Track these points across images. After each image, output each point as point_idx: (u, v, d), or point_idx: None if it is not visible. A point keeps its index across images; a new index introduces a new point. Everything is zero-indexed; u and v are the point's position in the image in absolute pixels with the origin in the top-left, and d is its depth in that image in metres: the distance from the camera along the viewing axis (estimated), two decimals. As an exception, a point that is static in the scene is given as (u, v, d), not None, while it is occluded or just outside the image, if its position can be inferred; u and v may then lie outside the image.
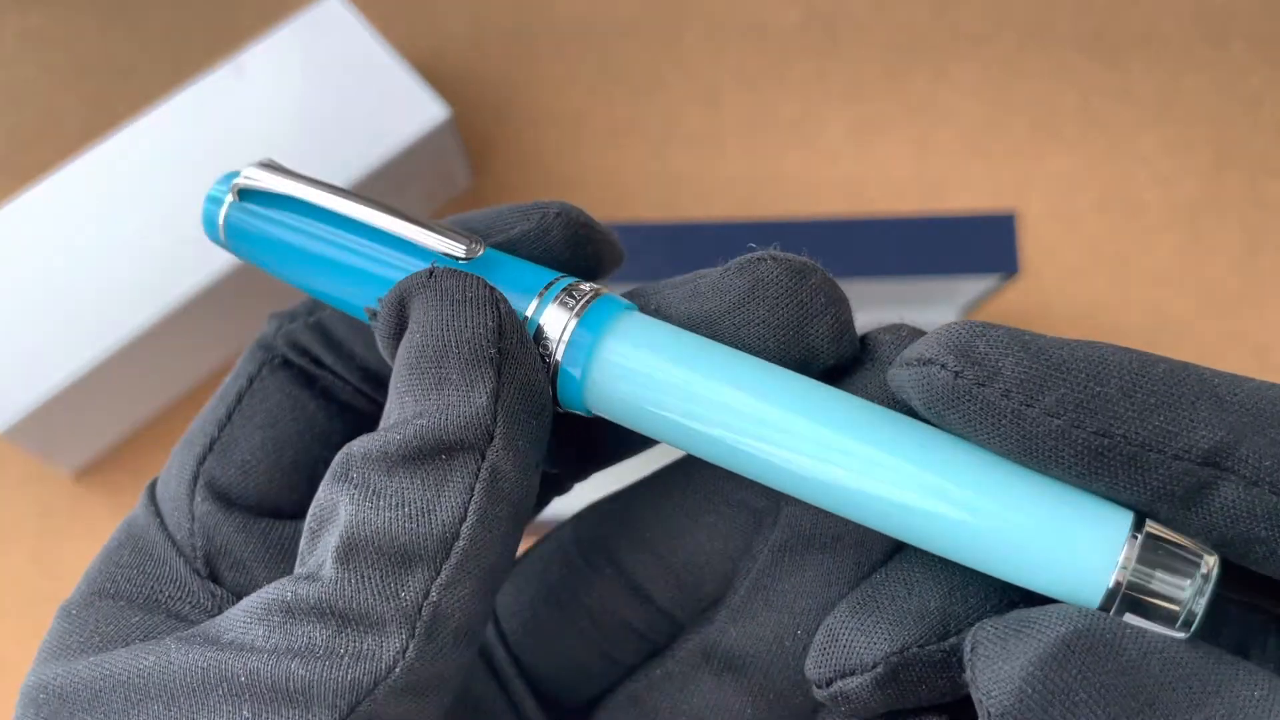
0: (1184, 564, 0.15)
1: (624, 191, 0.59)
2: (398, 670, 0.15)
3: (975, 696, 0.15)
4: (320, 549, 0.16)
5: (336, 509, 0.16)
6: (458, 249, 0.18)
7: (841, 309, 0.17)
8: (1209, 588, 0.15)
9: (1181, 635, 0.15)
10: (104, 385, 0.48)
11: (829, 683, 0.16)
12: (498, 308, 0.17)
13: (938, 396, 0.15)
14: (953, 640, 0.16)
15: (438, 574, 0.16)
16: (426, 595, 0.16)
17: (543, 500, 0.22)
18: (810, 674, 0.17)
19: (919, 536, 0.15)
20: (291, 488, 0.20)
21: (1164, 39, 0.63)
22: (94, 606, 0.19)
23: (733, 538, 0.19)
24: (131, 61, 0.60)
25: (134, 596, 0.19)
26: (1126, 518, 0.15)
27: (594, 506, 0.22)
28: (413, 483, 0.16)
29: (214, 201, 0.20)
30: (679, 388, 0.17)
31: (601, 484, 0.22)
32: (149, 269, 0.47)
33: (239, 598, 0.19)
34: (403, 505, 0.16)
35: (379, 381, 0.21)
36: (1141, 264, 0.59)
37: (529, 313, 0.18)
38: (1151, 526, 0.15)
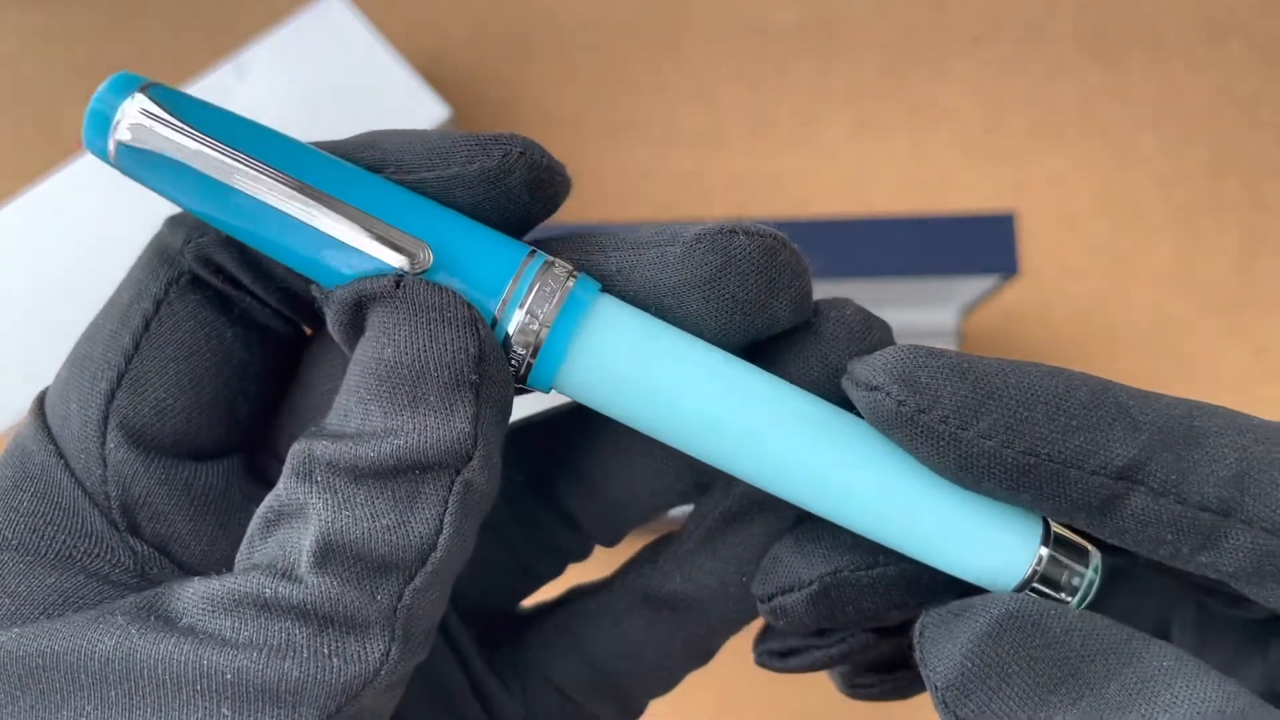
0: (1080, 557, 0.18)
1: (624, 191, 0.59)
2: (383, 671, 0.15)
3: (924, 674, 0.17)
4: (281, 542, 0.16)
5: (304, 510, 0.16)
6: (399, 261, 0.17)
7: (804, 280, 0.18)
8: (1098, 576, 0.18)
9: (1079, 609, 0.17)
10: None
11: (770, 598, 0.19)
12: (478, 330, 0.16)
13: (883, 420, 0.17)
14: (879, 569, 0.18)
15: (412, 579, 0.16)
16: (400, 598, 0.16)
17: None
18: (755, 590, 0.19)
19: (870, 533, 0.18)
20: (210, 425, 0.19)
21: (1163, 39, 0.63)
22: None
23: (664, 480, 0.21)
24: (131, 61, 0.60)
25: (43, 551, 0.17)
26: (1038, 523, 0.18)
27: (530, 429, 0.21)
28: (383, 495, 0.16)
29: (100, 117, 0.17)
30: (650, 392, 0.17)
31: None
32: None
33: (161, 551, 0.18)
34: (377, 517, 0.16)
35: (302, 303, 0.19)
36: (1141, 264, 0.59)
37: (498, 312, 0.17)
38: (1056, 528, 0.18)
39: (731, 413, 0.17)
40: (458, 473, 0.16)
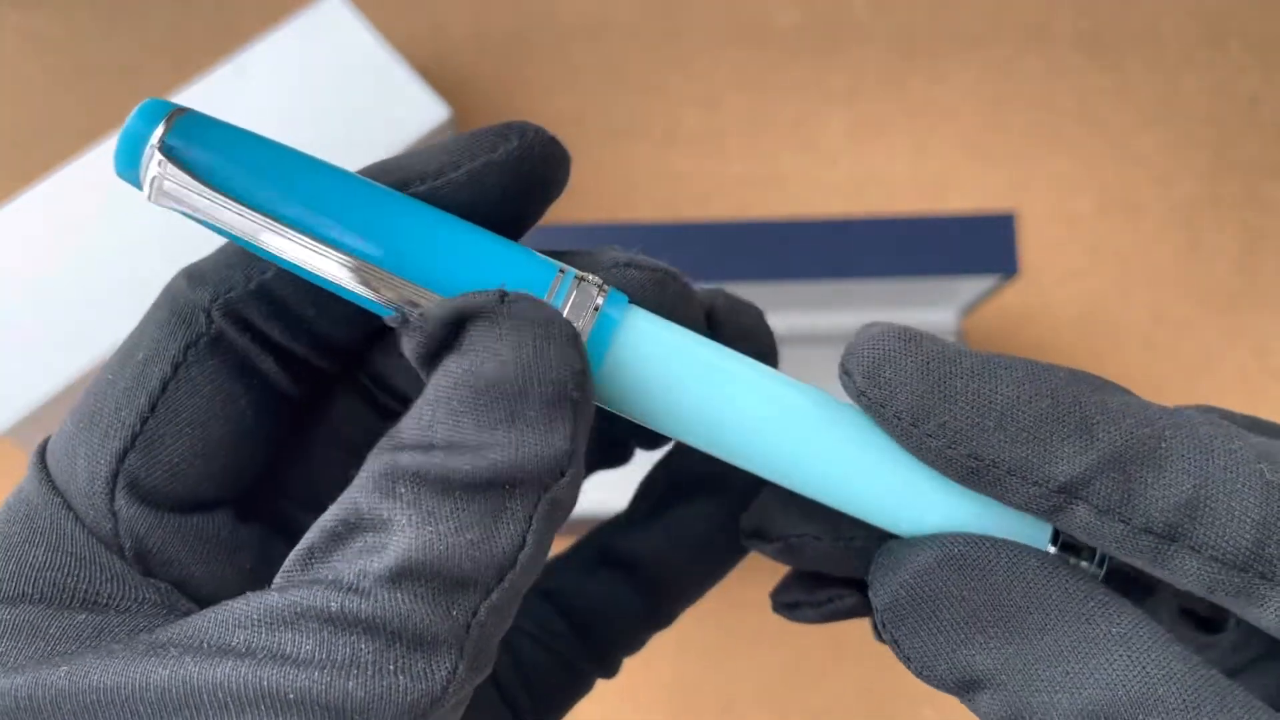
0: (1087, 555, 0.18)
1: (624, 192, 0.59)
2: (450, 689, 0.15)
3: (870, 597, 0.18)
4: (351, 556, 0.16)
5: (385, 523, 0.16)
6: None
7: (695, 306, 0.20)
8: (1101, 571, 0.18)
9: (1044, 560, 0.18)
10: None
11: (750, 535, 0.21)
12: (579, 347, 0.16)
13: (852, 401, 0.18)
14: (844, 542, 0.20)
15: (488, 596, 0.16)
16: (475, 615, 0.16)
17: None
18: (741, 522, 0.21)
19: (859, 513, 0.19)
20: (219, 485, 0.19)
21: (1163, 40, 0.63)
22: (18, 610, 0.17)
23: (616, 436, 0.23)
24: (131, 61, 0.60)
25: (66, 600, 0.17)
26: (1046, 525, 0.18)
27: None
28: (470, 508, 0.16)
29: (128, 150, 0.17)
30: (682, 402, 0.18)
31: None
32: (149, 269, 0.47)
33: (182, 590, 0.18)
34: (463, 532, 0.15)
35: (330, 348, 0.20)
36: (1141, 264, 0.59)
37: None
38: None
39: (764, 422, 0.18)
40: (546, 489, 0.16)
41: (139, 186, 0.17)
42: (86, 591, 0.17)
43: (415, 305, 0.17)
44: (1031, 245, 0.58)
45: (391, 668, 0.15)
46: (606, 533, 0.24)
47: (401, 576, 0.15)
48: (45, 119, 0.59)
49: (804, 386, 0.18)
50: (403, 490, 0.16)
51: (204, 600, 0.18)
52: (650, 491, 0.24)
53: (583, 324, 0.17)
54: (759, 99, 0.61)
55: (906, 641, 0.17)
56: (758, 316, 0.21)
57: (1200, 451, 0.16)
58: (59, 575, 0.17)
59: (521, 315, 0.16)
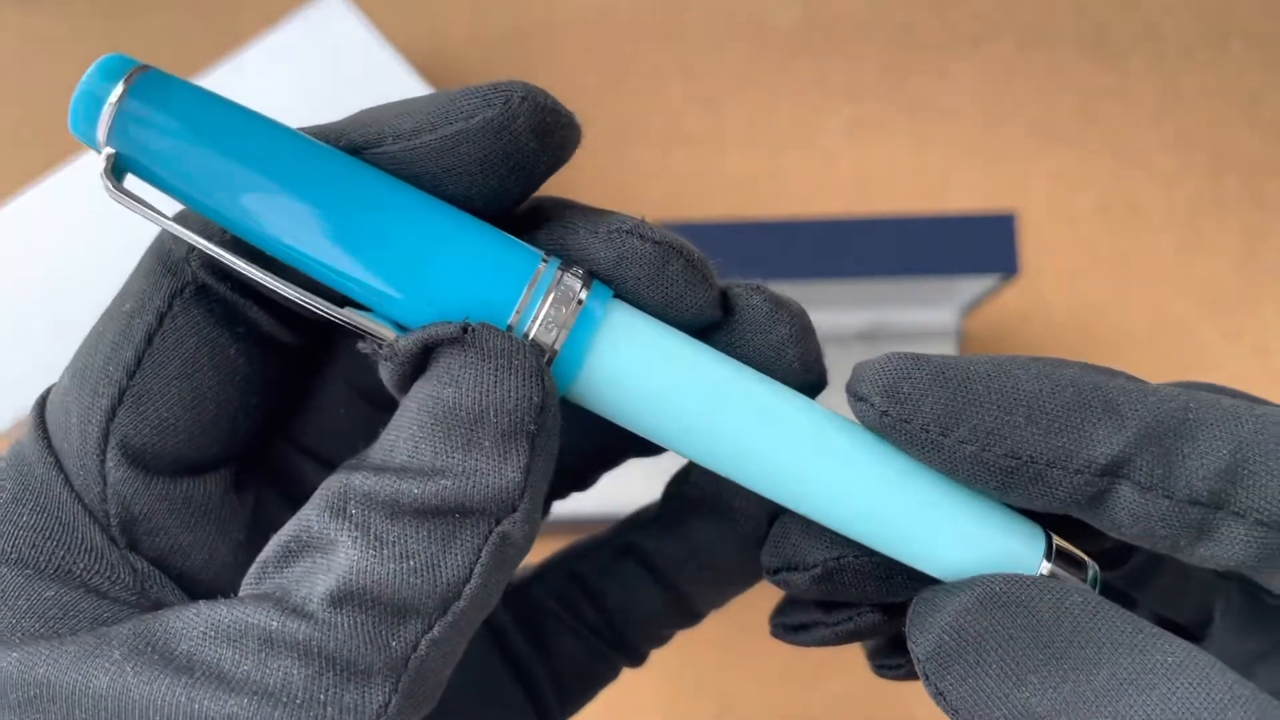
0: (1080, 570, 0.18)
1: (624, 191, 0.59)
2: None
3: (910, 646, 0.17)
4: (298, 575, 0.16)
5: (333, 547, 0.15)
6: (387, 334, 0.17)
7: (704, 291, 0.18)
8: (1097, 587, 0.18)
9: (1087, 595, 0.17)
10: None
11: (776, 571, 0.20)
12: (543, 381, 0.16)
13: (872, 427, 0.17)
14: (881, 555, 0.19)
15: (430, 629, 0.15)
16: (415, 648, 0.15)
17: (562, 494, 0.23)
18: (762, 561, 0.20)
19: (873, 544, 0.18)
20: (210, 441, 0.18)
21: (1163, 39, 0.63)
22: None
23: (584, 445, 0.22)
24: (131, 61, 0.60)
25: (42, 565, 0.17)
26: (1040, 537, 0.18)
27: None
28: (418, 534, 0.15)
29: (90, 99, 0.16)
30: (666, 405, 0.17)
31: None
32: (149, 269, 0.47)
33: (161, 564, 0.18)
34: (407, 558, 0.15)
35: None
36: (1141, 264, 0.59)
37: (513, 320, 0.17)
38: (1058, 541, 0.18)
39: (744, 426, 0.17)
40: (497, 522, 0.16)
41: (95, 147, 0.16)
42: (64, 560, 0.17)
43: (381, 340, 0.17)
44: (1031, 245, 0.58)
45: (321, 698, 0.15)
46: (635, 528, 0.23)
47: (342, 600, 0.15)
48: (45, 119, 0.59)
49: (789, 394, 0.18)
50: (353, 510, 0.15)
51: (191, 574, 0.18)
52: (675, 496, 0.23)
53: (563, 319, 0.17)
54: (759, 99, 0.61)
55: (954, 691, 0.16)
56: (786, 338, 0.19)
57: (1229, 419, 0.16)
58: (40, 539, 0.17)
59: (484, 345, 0.16)
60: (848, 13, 0.63)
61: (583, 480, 0.23)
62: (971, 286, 0.51)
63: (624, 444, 0.22)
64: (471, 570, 0.15)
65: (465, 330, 0.16)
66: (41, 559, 0.17)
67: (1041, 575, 0.17)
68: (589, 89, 0.61)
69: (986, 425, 0.16)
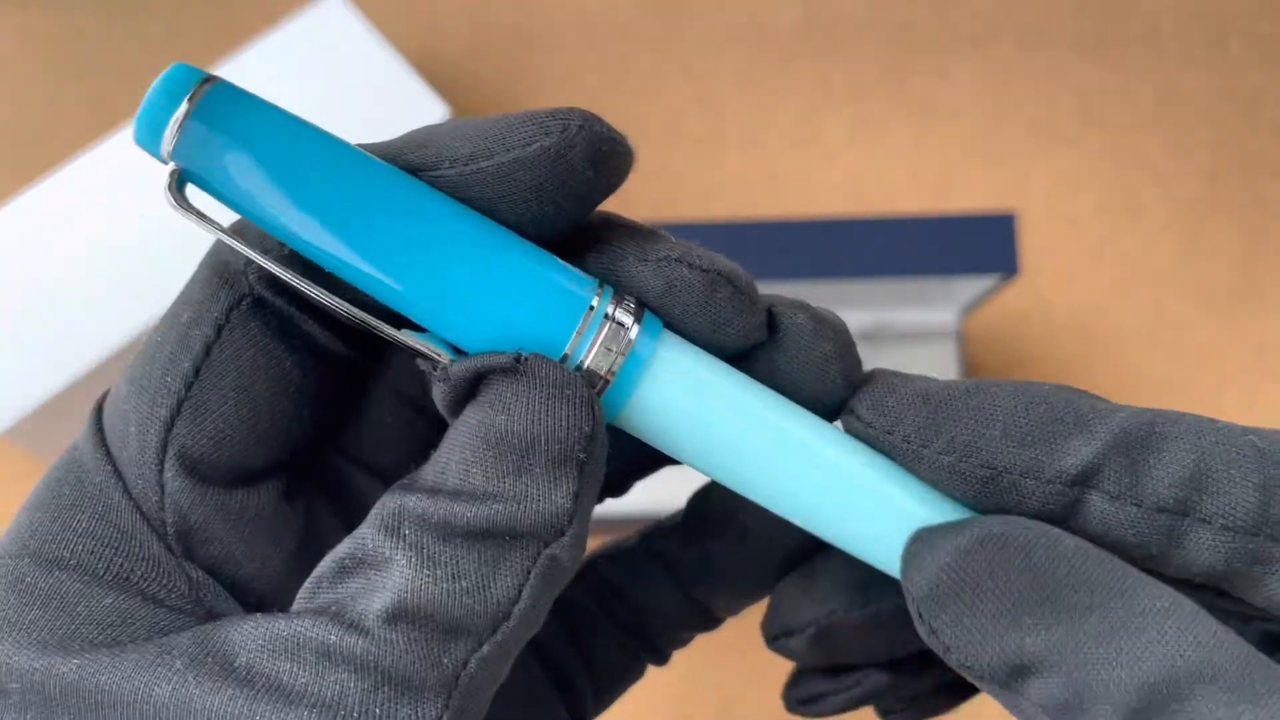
0: None
1: (624, 192, 0.59)
2: None
3: (904, 588, 0.17)
4: (354, 592, 0.16)
5: (388, 565, 0.16)
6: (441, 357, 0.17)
7: (750, 315, 0.18)
8: None
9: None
10: (104, 385, 0.48)
11: (775, 638, 0.20)
12: (593, 410, 0.17)
13: (858, 436, 0.18)
14: (872, 607, 0.20)
15: (480, 647, 0.16)
16: (465, 665, 0.16)
17: (598, 500, 0.23)
18: (762, 629, 0.21)
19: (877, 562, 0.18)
20: (264, 452, 0.19)
21: (1163, 39, 0.63)
22: (54, 578, 0.17)
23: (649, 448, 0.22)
24: (131, 61, 0.60)
25: (100, 572, 0.17)
26: None
27: None
28: (470, 556, 0.16)
29: (156, 113, 0.16)
30: (711, 437, 0.18)
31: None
32: (149, 269, 0.47)
33: (215, 573, 0.18)
34: (459, 578, 0.16)
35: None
36: (1141, 264, 0.59)
37: (569, 349, 0.17)
38: None
39: (787, 463, 0.18)
40: (546, 545, 0.16)
41: (159, 158, 0.17)
42: (121, 568, 0.17)
43: (437, 360, 0.17)
44: (1031, 245, 0.58)
45: (376, 711, 0.15)
46: (660, 535, 0.24)
47: (396, 618, 0.15)
48: (45, 119, 0.59)
49: (834, 434, 0.18)
50: (407, 531, 0.16)
51: (244, 583, 0.19)
52: (696, 511, 0.24)
53: (617, 348, 0.17)
54: (759, 99, 0.61)
55: (948, 630, 0.17)
56: (830, 354, 0.19)
57: (1192, 432, 0.17)
58: (98, 545, 0.17)
59: (537, 375, 0.16)
60: (848, 13, 0.63)
61: (619, 487, 0.23)
62: (971, 286, 0.51)
63: (659, 454, 0.23)
64: (521, 591, 0.16)
65: (518, 360, 0.17)
66: (100, 566, 0.17)
67: (1035, 522, 0.17)
68: (589, 89, 0.61)
69: (963, 438, 0.17)
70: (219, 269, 0.18)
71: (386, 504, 0.16)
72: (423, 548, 0.16)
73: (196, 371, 0.18)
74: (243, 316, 0.18)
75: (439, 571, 0.16)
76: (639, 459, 0.23)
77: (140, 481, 0.18)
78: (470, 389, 0.17)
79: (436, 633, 0.15)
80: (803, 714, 0.22)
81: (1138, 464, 0.17)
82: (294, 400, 0.19)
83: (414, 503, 0.16)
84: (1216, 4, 0.63)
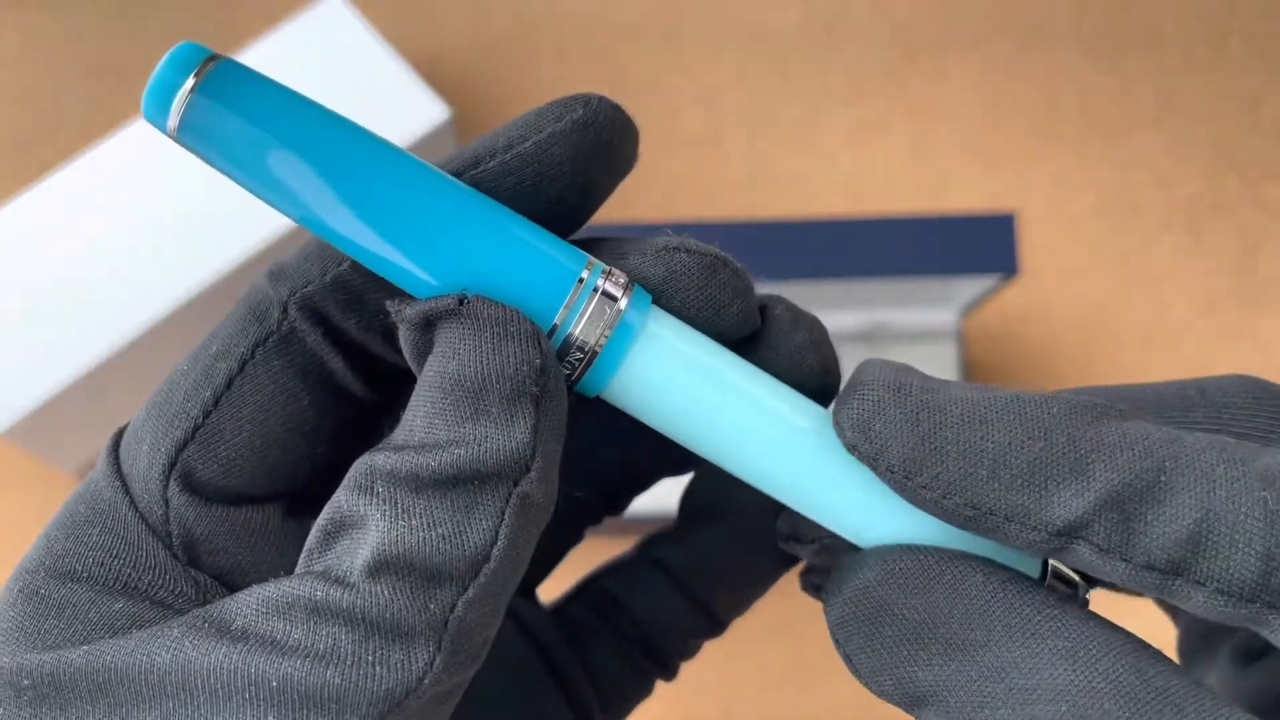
0: (1070, 588, 0.18)
1: (624, 192, 0.59)
2: (426, 681, 0.16)
3: (824, 609, 0.18)
4: (339, 553, 0.16)
5: (364, 521, 0.16)
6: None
7: (747, 299, 0.19)
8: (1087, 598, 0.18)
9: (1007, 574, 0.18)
10: (104, 385, 0.48)
11: (786, 539, 0.21)
12: (539, 344, 0.17)
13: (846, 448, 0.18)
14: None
15: (465, 591, 0.16)
16: (453, 609, 0.16)
17: (596, 519, 0.24)
18: (777, 526, 0.21)
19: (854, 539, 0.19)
20: (273, 481, 0.19)
21: (1163, 39, 0.63)
22: (67, 588, 0.18)
23: (641, 453, 0.23)
24: (131, 61, 0.60)
25: (111, 582, 0.18)
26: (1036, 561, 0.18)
27: None
28: (442, 504, 0.16)
29: (163, 89, 0.16)
30: (691, 411, 0.18)
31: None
32: (149, 269, 0.47)
33: (222, 581, 0.19)
34: (434, 526, 0.16)
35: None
36: (1141, 264, 0.59)
37: (558, 319, 0.17)
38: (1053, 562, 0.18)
39: (764, 442, 0.18)
40: (515, 484, 0.16)
41: (165, 132, 0.17)
42: (130, 578, 0.18)
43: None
44: (1031, 245, 0.59)
45: (369, 658, 0.16)
46: (655, 542, 0.24)
47: (379, 570, 0.16)
48: (45, 119, 0.59)
49: (812, 409, 0.18)
50: (379, 488, 0.16)
51: None
52: (685, 509, 0.24)
53: (605, 320, 0.17)
54: (759, 99, 0.61)
55: (856, 657, 0.18)
56: (807, 344, 0.20)
57: (1202, 483, 0.16)
58: (108, 557, 0.18)
59: (479, 315, 0.17)
60: (848, 13, 0.63)
61: (615, 504, 0.24)
62: (971, 286, 0.51)
63: (654, 467, 0.23)
64: (497, 533, 0.16)
65: (461, 302, 0.17)
66: (110, 576, 0.18)
67: (950, 552, 0.17)
68: (589, 89, 0.61)
69: (948, 476, 0.17)
70: (253, 305, 0.19)
71: (358, 466, 0.17)
72: (396, 501, 0.16)
73: (216, 401, 0.19)
74: (267, 353, 0.19)
75: (414, 521, 0.16)
76: (633, 473, 0.23)
77: (146, 495, 0.19)
78: (426, 336, 0.17)
79: (419, 580, 0.16)
80: (815, 596, 0.22)
81: (1132, 520, 0.16)
82: (307, 439, 0.19)
83: (382, 460, 0.17)
84: (1216, 4, 0.63)
